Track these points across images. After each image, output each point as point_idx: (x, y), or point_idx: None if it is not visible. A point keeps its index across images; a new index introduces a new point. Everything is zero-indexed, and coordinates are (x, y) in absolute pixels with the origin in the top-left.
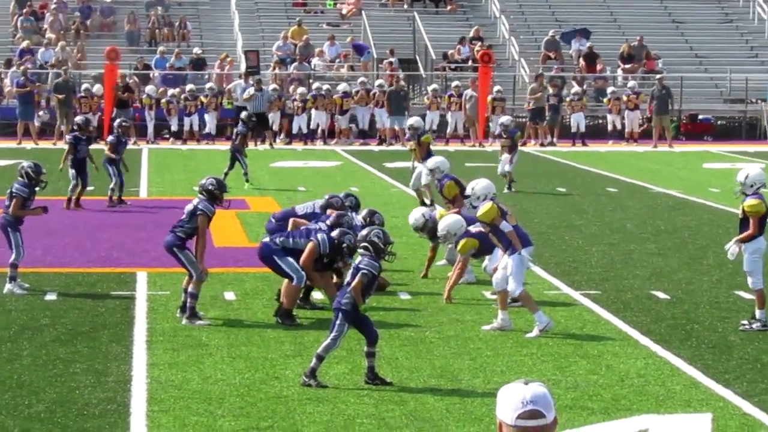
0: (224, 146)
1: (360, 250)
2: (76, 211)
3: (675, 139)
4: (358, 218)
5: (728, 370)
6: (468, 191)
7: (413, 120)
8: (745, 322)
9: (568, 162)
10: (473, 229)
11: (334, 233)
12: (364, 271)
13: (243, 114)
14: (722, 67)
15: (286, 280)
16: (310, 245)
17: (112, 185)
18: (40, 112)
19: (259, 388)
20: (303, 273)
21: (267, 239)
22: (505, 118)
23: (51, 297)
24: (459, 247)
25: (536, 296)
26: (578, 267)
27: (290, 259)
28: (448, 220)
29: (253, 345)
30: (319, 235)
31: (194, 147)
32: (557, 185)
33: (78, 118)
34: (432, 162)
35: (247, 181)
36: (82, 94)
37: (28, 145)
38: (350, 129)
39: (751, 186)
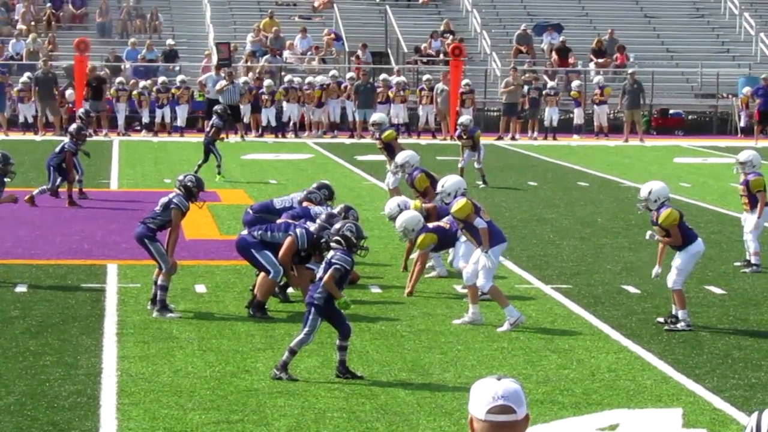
0: (195, 138)
1: (333, 244)
2: (39, 205)
3: (646, 133)
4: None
5: (699, 365)
6: (438, 188)
7: (376, 116)
8: (663, 321)
9: (539, 156)
10: (431, 224)
11: (313, 228)
12: (337, 266)
13: (218, 107)
14: (693, 61)
15: (262, 273)
16: (288, 240)
17: (79, 177)
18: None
19: (230, 381)
20: (280, 267)
21: (245, 232)
22: (464, 118)
23: (21, 289)
24: (418, 243)
25: (507, 290)
26: (549, 261)
27: (268, 253)
28: (405, 216)
29: (224, 338)
30: (298, 230)
31: (165, 139)
32: (528, 179)
33: (72, 127)
34: (401, 157)
35: (220, 173)
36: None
37: None
38: (321, 121)
39: (655, 201)
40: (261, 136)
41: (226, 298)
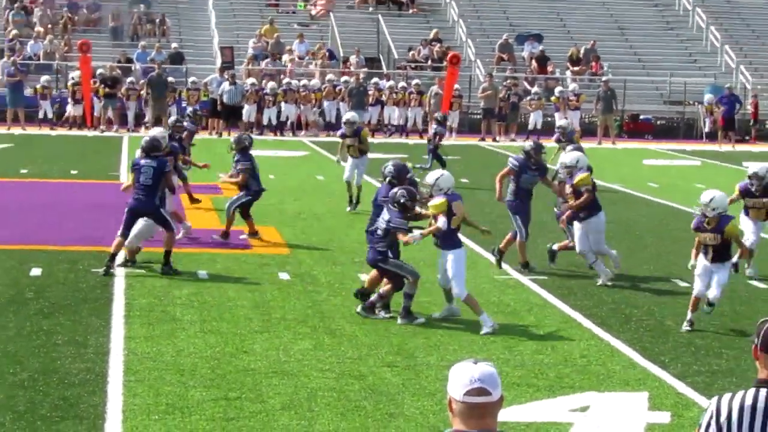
0: (199, 136)
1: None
2: (60, 192)
3: (618, 136)
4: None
5: (664, 353)
6: (430, 180)
7: (349, 115)
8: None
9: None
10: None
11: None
12: None
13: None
14: (663, 71)
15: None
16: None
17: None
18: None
19: (229, 361)
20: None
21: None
22: (563, 121)
23: (36, 272)
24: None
25: (488, 281)
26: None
27: (398, 261)
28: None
29: (224, 321)
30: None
31: None
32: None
33: (172, 119)
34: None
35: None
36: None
37: (16, 130)
38: (317, 121)
39: (573, 166)
40: (261, 134)
41: (226, 284)
